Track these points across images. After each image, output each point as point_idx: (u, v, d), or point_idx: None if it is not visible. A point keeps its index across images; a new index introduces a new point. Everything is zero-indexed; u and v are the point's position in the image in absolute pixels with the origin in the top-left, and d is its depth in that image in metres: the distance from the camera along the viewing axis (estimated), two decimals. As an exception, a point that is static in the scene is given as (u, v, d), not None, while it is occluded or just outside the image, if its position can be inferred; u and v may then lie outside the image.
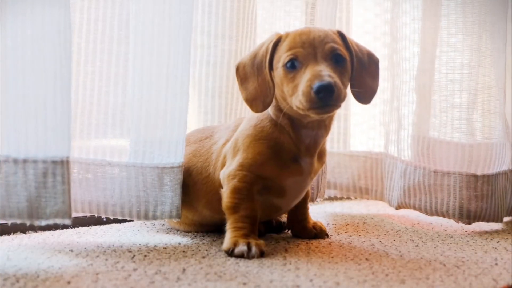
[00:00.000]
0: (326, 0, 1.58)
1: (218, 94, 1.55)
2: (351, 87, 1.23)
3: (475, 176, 1.50)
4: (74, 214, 1.38)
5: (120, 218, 1.30)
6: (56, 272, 1.04)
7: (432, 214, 1.55)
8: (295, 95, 1.14)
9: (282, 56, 1.18)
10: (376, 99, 1.72)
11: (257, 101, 1.22)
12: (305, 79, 1.12)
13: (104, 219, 1.41)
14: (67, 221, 1.14)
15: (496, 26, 1.52)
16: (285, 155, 1.23)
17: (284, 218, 1.44)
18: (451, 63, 1.54)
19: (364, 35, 1.82)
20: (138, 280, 1.01)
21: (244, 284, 0.99)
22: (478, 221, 1.50)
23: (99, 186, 1.28)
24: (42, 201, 1.12)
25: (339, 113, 1.77)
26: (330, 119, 1.25)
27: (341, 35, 1.22)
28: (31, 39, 1.11)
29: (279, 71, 1.18)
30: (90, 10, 1.29)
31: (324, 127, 1.24)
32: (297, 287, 0.98)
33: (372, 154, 1.77)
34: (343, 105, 1.72)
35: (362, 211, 1.75)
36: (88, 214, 1.32)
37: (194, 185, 1.31)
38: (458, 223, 1.53)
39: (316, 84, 1.10)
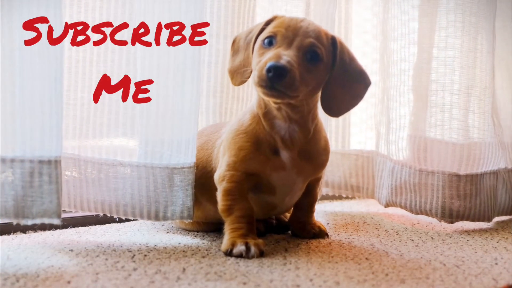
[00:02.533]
0: (328, 0, 1.58)
1: (212, 93, 1.55)
2: (322, 94, 1.21)
3: (458, 176, 1.51)
4: (84, 213, 1.40)
5: (131, 218, 1.31)
6: (56, 271, 1.04)
7: (417, 213, 1.56)
8: (255, 69, 1.15)
9: (265, 32, 1.19)
10: (373, 98, 1.74)
11: (237, 75, 1.24)
12: (266, 56, 1.13)
13: (116, 219, 1.41)
14: (55, 221, 1.13)
15: (482, 26, 1.53)
16: (265, 147, 1.22)
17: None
18: (442, 62, 1.55)
19: (363, 34, 1.82)
20: (138, 279, 1.01)
21: (244, 283, 0.99)
22: (461, 220, 1.51)
23: (110, 186, 1.29)
24: (28, 200, 1.12)
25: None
26: (302, 117, 1.22)
27: (333, 42, 1.21)
28: (21, 39, 1.11)
29: (256, 45, 1.20)
30: (101, 10, 1.30)
31: (295, 122, 1.22)
32: (297, 287, 0.98)
33: (363, 153, 1.78)
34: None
35: (362, 210, 1.75)
36: (101, 214, 1.32)
37: (200, 178, 1.31)
38: (440, 222, 1.54)
39: (269, 63, 1.10)
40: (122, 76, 1.30)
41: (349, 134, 1.82)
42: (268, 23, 1.22)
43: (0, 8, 1.09)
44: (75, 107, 1.31)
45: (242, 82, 1.24)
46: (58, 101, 1.14)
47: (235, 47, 1.27)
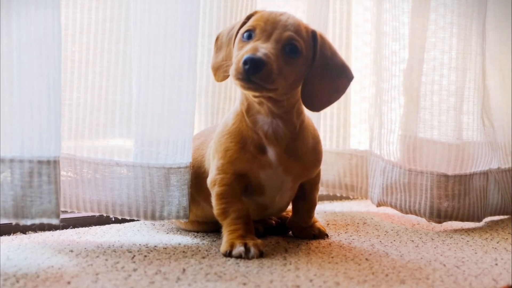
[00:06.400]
0: (320, 1, 1.58)
1: (204, 93, 1.55)
2: (303, 88, 1.20)
3: (446, 176, 1.51)
4: (84, 214, 1.41)
5: (128, 218, 1.31)
6: (56, 272, 1.04)
7: (406, 212, 1.57)
8: (234, 63, 1.14)
9: (245, 26, 1.19)
10: (373, 99, 1.74)
11: (219, 70, 1.24)
12: (245, 49, 1.13)
13: (113, 219, 1.42)
14: (54, 221, 1.14)
15: (472, 28, 1.54)
16: (250, 145, 1.22)
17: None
18: (429, 63, 1.56)
19: (363, 35, 1.82)
20: (138, 280, 1.01)
21: (244, 284, 0.99)
22: (450, 220, 1.52)
23: (107, 186, 1.29)
24: (27, 200, 1.12)
25: (325, 111, 1.77)
26: (285, 111, 1.21)
27: (313, 36, 1.21)
28: (19, 40, 1.12)
29: (237, 39, 1.20)
30: (98, 11, 1.30)
31: (279, 117, 1.21)
32: (297, 287, 0.98)
33: (357, 152, 1.79)
34: (336, 104, 1.73)
35: (362, 210, 1.75)
36: (97, 214, 1.33)
37: (195, 178, 1.32)
38: (429, 222, 1.54)
39: (246, 55, 1.10)
40: (119, 77, 1.31)
41: (349, 134, 1.82)
42: (249, 17, 1.22)
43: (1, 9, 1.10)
44: (71, 108, 1.31)
45: (225, 77, 1.24)
46: (56, 101, 1.14)
47: (218, 44, 1.27)
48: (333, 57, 1.23)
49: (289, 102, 1.21)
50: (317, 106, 1.24)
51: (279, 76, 1.13)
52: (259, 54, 1.10)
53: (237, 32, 1.21)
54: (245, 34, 1.17)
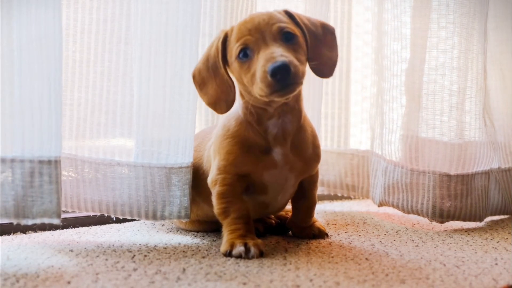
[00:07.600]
0: (320, 1, 1.58)
1: None
2: (309, 62, 1.21)
3: (449, 176, 1.51)
4: (84, 214, 1.41)
5: (129, 218, 1.32)
6: (56, 272, 1.04)
7: (408, 212, 1.57)
8: (255, 84, 1.13)
9: (233, 49, 1.17)
10: (373, 99, 1.74)
11: (220, 103, 1.22)
12: (260, 65, 1.11)
13: (114, 219, 1.42)
14: (55, 221, 1.14)
15: (474, 28, 1.54)
16: (255, 149, 1.22)
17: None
18: (431, 63, 1.56)
19: (364, 35, 1.82)
20: (138, 280, 1.01)
21: (244, 284, 0.99)
22: (452, 220, 1.52)
23: (108, 186, 1.30)
24: (28, 200, 1.12)
25: (326, 112, 1.77)
26: (296, 101, 1.22)
27: (288, 14, 1.21)
28: (20, 40, 1.12)
29: (234, 65, 1.18)
30: (99, 11, 1.30)
31: (290, 111, 1.22)
32: (297, 287, 0.98)
33: (359, 152, 1.79)
34: (337, 104, 1.73)
35: (362, 210, 1.75)
36: (98, 214, 1.33)
37: (194, 179, 1.32)
38: (431, 222, 1.54)
39: (270, 67, 1.08)
40: (120, 77, 1.31)
41: (349, 134, 1.82)
42: (224, 40, 1.20)
43: (0, 9, 1.10)
44: (72, 107, 1.32)
45: (229, 108, 1.22)
46: (57, 101, 1.15)
47: (198, 80, 1.23)
48: (311, 22, 1.24)
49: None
50: (328, 71, 1.24)
51: (302, 65, 1.13)
52: (279, 58, 1.09)
53: (222, 59, 1.19)
54: (241, 55, 1.15)
